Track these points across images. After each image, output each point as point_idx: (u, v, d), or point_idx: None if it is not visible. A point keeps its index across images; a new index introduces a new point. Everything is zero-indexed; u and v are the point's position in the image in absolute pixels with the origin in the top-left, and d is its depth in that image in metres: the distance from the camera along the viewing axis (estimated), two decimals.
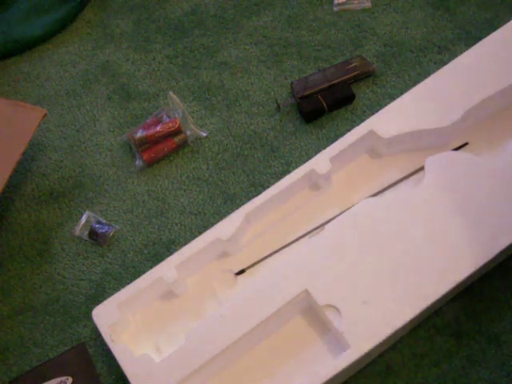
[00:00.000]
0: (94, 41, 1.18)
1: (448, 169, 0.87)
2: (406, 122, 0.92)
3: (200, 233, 0.94)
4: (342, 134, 1.02)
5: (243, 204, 0.97)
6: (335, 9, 1.15)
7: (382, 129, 0.92)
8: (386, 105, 1.04)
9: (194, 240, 0.87)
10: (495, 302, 0.86)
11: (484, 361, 0.83)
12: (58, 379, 0.83)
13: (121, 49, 1.17)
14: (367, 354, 0.78)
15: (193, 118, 1.07)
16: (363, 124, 0.93)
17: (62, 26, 1.19)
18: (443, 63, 1.06)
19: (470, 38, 1.09)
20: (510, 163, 0.87)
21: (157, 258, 0.94)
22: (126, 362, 0.80)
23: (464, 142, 0.94)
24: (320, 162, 0.91)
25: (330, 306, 0.80)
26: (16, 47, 1.17)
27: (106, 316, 0.83)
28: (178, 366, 0.79)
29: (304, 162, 1.00)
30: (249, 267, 0.89)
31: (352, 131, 0.92)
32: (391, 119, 0.92)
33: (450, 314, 0.85)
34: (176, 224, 0.97)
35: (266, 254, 0.90)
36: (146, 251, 0.96)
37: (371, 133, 0.92)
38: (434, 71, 1.06)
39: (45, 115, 0.98)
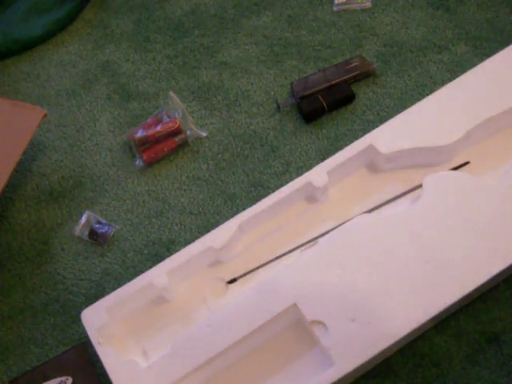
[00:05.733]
0: (94, 41, 1.18)
1: (446, 188, 0.86)
2: (407, 138, 0.90)
3: (200, 233, 0.94)
4: (342, 134, 1.02)
5: (243, 204, 0.97)
6: (335, 9, 1.15)
7: (381, 144, 0.90)
8: (386, 105, 1.04)
9: (187, 247, 0.87)
10: (495, 302, 0.86)
11: (484, 361, 0.83)
12: (58, 379, 0.83)
13: (121, 49, 1.17)
14: (355, 371, 0.77)
15: (193, 118, 1.07)
16: (363, 138, 0.91)
17: (62, 26, 1.19)
18: (443, 63, 1.07)
19: (470, 38, 1.09)
20: (509, 186, 0.85)
21: (157, 258, 0.94)
22: (112, 366, 0.80)
23: (465, 160, 0.93)
24: (317, 174, 0.89)
25: (317, 321, 0.79)
26: (16, 47, 1.17)
27: (95, 319, 0.83)
28: (163, 373, 0.79)
29: (304, 161, 1.00)
30: (241, 276, 0.89)
31: (351, 145, 0.91)
32: (392, 135, 0.91)
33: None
34: (176, 224, 0.98)
35: (258, 264, 0.89)
36: (146, 251, 0.96)
37: (371, 147, 0.91)
38: (434, 71, 1.06)
39: (45, 115, 0.98)
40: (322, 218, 0.92)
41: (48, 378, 0.83)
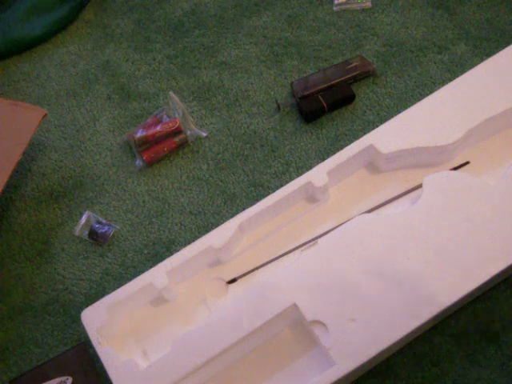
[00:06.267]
0: (94, 41, 1.18)
1: (446, 188, 0.86)
2: (407, 138, 0.90)
3: (200, 233, 0.94)
4: (342, 134, 1.02)
5: (243, 204, 0.97)
6: (335, 9, 1.15)
7: (381, 144, 0.90)
8: (386, 105, 1.04)
9: (187, 247, 0.87)
10: (495, 302, 0.86)
11: (484, 361, 0.83)
12: (58, 379, 0.83)
13: (121, 49, 1.17)
14: (355, 371, 0.77)
15: (193, 118, 1.07)
16: (363, 138, 0.91)
17: (62, 26, 1.19)
18: (443, 63, 1.07)
19: (470, 38, 1.09)
20: (509, 186, 0.85)
21: (157, 258, 0.94)
22: (112, 366, 0.80)
23: (465, 160, 0.93)
24: (317, 174, 0.89)
25: (317, 321, 0.79)
26: (16, 47, 1.17)
27: (95, 319, 0.83)
28: (163, 373, 0.78)
29: (304, 161, 1.00)
30: (241, 276, 0.89)
31: (351, 145, 0.91)
32: (392, 135, 0.91)
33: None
34: (176, 224, 0.98)
35: (258, 264, 0.89)
36: (146, 251, 0.96)
37: (371, 147, 0.91)
38: (434, 71, 1.06)
39: (45, 115, 0.98)
40: (322, 218, 0.92)
41: (48, 378, 0.83)
